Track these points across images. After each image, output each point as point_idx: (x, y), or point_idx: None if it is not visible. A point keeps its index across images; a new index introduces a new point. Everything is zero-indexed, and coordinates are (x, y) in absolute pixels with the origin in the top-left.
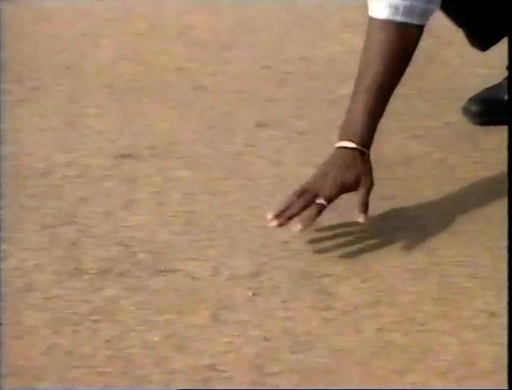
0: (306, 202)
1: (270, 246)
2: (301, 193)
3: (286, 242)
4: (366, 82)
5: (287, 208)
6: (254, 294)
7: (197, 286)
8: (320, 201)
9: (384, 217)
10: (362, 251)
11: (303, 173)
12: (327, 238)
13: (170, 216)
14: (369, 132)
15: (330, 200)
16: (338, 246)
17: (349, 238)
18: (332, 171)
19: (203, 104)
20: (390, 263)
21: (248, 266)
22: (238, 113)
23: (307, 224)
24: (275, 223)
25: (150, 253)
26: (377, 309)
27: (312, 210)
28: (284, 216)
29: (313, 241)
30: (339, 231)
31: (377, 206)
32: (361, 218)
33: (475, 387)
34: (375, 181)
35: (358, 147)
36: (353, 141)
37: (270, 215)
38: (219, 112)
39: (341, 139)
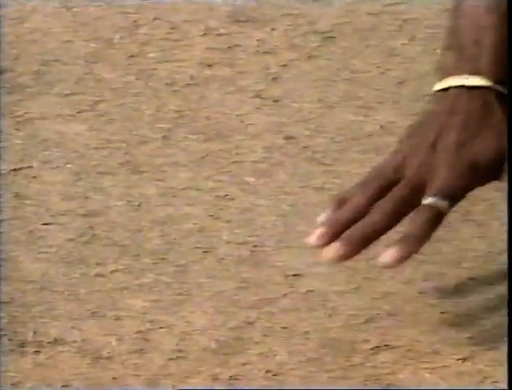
0: (403, 209)
1: (262, 285)
2: (384, 182)
3: (297, 276)
4: None
5: (353, 212)
6: None
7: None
8: (430, 200)
9: None
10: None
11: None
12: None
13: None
14: (503, 56)
15: (453, 196)
16: (408, 283)
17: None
18: (450, 136)
19: None
20: None
21: (216, 328)
22: None
23: (406, 253)
24: (331, 252)
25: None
26: None
27: (417, 221)
28: (352, 234)
29: (352, 271)
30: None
31: None
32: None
33: (475, 387)
34: None
35: (494, 85)
36: (481, 75)
37: (319, 223)
38: None
39: (452, 73)
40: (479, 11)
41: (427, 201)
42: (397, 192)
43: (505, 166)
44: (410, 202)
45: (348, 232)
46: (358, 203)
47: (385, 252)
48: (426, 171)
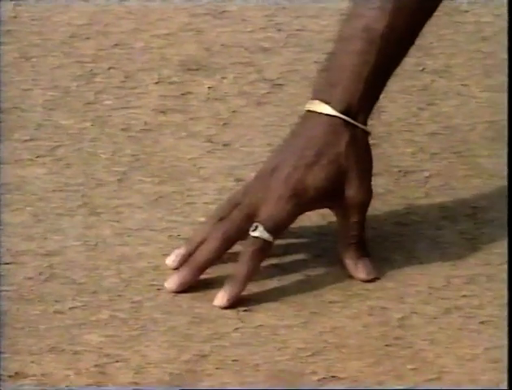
0: (232, 234)
1: (214, 320)
2: (226, 214)
3: (247, 311)
4: (366, 21)
5: (197, 247)
6: None
7: None
8: (256, 233)
9: None
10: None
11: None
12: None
13: None
14: (366, 93)
15: (276, 229)
16: (353, 318)
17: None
18: (286, 163)
19: None
20: None
21: (170, 361)
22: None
23: (233, 293)
24: (172, 284)
25: None
26: None
27: (243, 259)
28: (189, 268)
29: (300, 306)
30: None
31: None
32: (359, 272)
33: (475, 387)
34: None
35: (342, 116)
36: (331, 104)
37: (169, 262)
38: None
39: (314, 96)
40: (352, 36)
41: (253, 233)
42: (229, 220)
43: (344, 196)
44: (241, 229)
45: (183, 266)
46: (201, 235)
47: (217, 295)
48: (258, 199)
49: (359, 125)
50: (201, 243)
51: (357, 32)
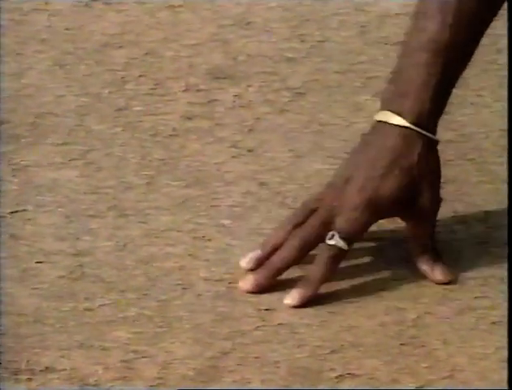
0: (309, 242)
1: (236, 318)
2: (300, 220)
3: (268, 310)
4: (433, 27)
5: (273, 251)
6: None
7: None
8: (333, 241)
9: None
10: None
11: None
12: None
13: None
14: (435, 102)
15: (352, 237)
16: (370, 317)
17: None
18: (360, 173)
19: None
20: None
21: (194, 357)
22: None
23: (306, 294)
24: (247, 284)
25: None
26: None
27: (318, 263)
28: (266, 271)
29: (319, 306)
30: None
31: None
32: (437, 276)
33: (475, 387)
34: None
35: (413, 127)
36: (402, 115)
37: (243, 264)
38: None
39: (384, 107)
40: (418, 49)
41: (329, 241)
42: (306, 227)
43: (417, 204)
44: (318, 236)
45: (259, 269)
46: (276, 240)
47: (289, 294)
48: (333, 208)
49: (430, 135)
50: (277, 247)
51: (423, 45)
